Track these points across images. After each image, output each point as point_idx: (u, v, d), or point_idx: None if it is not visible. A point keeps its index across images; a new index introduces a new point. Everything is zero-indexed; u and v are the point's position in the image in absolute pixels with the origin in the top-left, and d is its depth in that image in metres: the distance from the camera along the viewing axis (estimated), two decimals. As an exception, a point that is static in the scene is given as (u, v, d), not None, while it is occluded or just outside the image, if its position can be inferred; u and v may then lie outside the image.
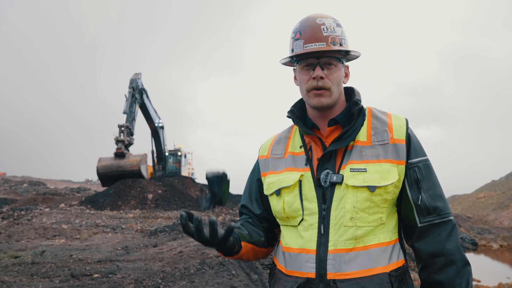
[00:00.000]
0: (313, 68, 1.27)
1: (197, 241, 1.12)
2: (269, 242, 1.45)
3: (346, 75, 1.36)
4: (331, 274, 1.18)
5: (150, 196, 19.83)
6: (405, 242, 1.34)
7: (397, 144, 1.25)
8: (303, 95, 1.34)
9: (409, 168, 1.26)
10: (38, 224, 12.51)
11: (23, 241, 10.15)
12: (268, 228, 1.46)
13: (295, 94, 1.45)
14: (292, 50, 1.31)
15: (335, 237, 1.20)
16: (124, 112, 23.21)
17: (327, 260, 1.19)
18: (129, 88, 23.54)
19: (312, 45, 1.26)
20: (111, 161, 22.67)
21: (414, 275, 6.86)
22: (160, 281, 5.78)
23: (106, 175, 22.46)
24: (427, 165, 1.28)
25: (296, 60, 1.32)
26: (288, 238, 1.31)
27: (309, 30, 1.27)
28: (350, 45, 1.34)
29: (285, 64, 1.41)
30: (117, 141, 22.60)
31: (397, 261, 1.23)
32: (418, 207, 1.25)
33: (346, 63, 1.36)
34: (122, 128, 22.74)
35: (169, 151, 29.43)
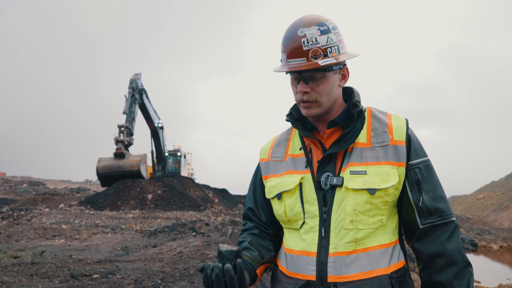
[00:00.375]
0: (298, 83, 1.26)
1: None
2: (276, 248, 1.43)
3: (344, 77, 1.32)
4: (331, 277, 1.18)
5: (149, 196, 19.82)
6: (405, 243, 1.33)
7: (397, 145, 1.24)
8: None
9: (409, 169, 1.25)
10: (38, 224, 12.50)
11: (22, 241, 10.14)
12: (274, 234, 1.45)
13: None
14: (281, 61, 1.29)
15: (335, 240, 1.20)
16: (124, 113, 23.22)
17: (328, 263, 1.19)
18: (129, 88, 23.58)
19: (293, 61, 1.23)
20: (111, 162, 22.68)
21: (415, 276, 6.86)
22: (159, 281, 5.77)
23: (106, 176, 22.47)
24: (428, 166, 1.27)
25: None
26: (290, 240, 1.31)
27: (290, 44, 1.23)
28: (346, 46, 1.29)
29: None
30: (117, 141, 22.62)
31: (398, 262, 1.22)
32: (419, 208, 1.24)
33: (345, 63, 1.31)
34: (122, 129, 22.77)
35: (169, 151, 29.45)
